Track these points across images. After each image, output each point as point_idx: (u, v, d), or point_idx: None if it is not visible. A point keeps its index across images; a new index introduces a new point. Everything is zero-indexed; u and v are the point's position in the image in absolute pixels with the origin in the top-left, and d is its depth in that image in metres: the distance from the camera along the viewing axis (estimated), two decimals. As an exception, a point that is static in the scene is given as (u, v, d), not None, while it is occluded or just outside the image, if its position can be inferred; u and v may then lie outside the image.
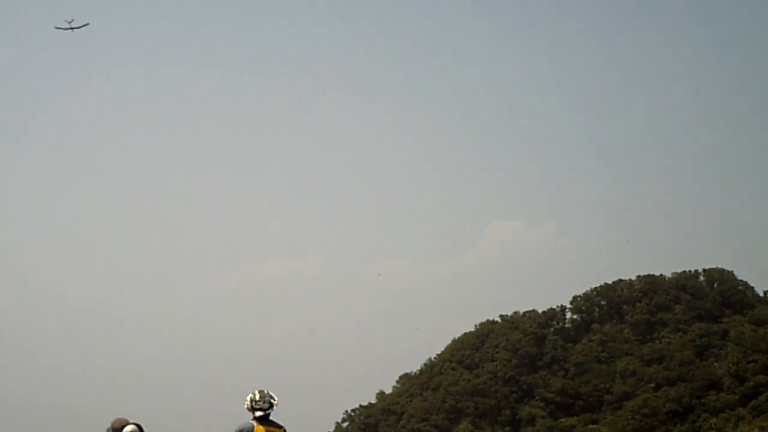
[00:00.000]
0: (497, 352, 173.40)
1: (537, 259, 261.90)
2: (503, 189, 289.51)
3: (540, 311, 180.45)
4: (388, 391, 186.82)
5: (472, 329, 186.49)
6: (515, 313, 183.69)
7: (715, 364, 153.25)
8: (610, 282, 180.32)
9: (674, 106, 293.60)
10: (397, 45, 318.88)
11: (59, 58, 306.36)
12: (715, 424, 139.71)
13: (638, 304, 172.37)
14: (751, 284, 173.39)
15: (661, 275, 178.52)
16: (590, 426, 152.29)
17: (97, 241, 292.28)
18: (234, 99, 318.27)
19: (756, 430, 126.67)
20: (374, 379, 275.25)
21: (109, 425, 14.10)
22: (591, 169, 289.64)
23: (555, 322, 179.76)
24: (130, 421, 14.06)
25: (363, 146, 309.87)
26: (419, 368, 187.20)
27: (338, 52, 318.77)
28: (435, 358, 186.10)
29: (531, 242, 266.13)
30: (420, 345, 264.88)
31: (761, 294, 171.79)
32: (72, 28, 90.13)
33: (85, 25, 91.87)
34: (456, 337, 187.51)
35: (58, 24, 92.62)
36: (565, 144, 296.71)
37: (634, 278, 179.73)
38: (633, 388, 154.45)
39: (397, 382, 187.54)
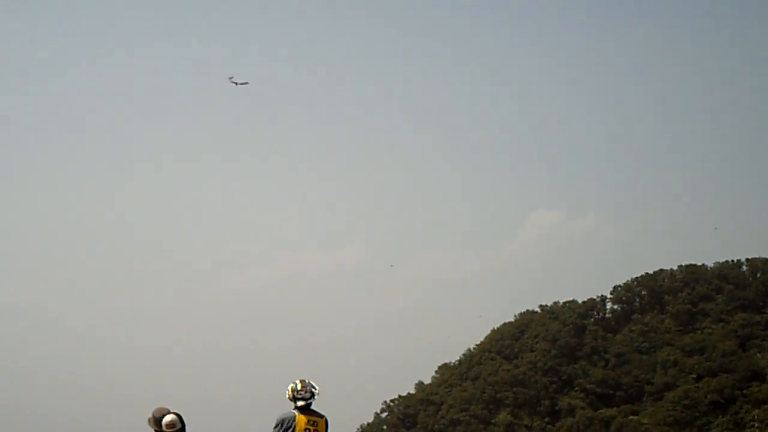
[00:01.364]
0: (536, 342, 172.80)
1: (577, 249, 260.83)
2: (544, 178, 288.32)
3: (580, 301, 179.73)
4: (427, 381, 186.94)
5: (512, 320, 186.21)
6: (555, 303, 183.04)
7: (758, 355, 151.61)
8: (651, 272, 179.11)
9: (717, 94, 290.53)
10: (430, 33, 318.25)
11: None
12: (757, 415, 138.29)
13: (680, 294, 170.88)
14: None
15: (703, 265, 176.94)
16: (630, 417, 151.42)
17: (147, 232, 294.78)
18: (273, 87, 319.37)
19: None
20: (413, 370, 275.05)
21: (151, 414, 14.10)
22: (633, 158, 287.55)
23: (595, 313, 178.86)
24: (171, 411, 14.04)
25: (404, 136, 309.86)
26: (458, 358, 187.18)
27: (372, 44, 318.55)
28: (474, 348, 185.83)
29: (572, 232, 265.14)
30: (459, 335, 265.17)
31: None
32: (235, 83, 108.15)
33: (245, 83, 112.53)
34: (495, 328, 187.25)
35: (227, 77, 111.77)
36: (607, 133, 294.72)
37: (675, 268, 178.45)
38: (674, 379, 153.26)
39: (436, 372, 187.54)
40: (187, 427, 14.11)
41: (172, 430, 13.78)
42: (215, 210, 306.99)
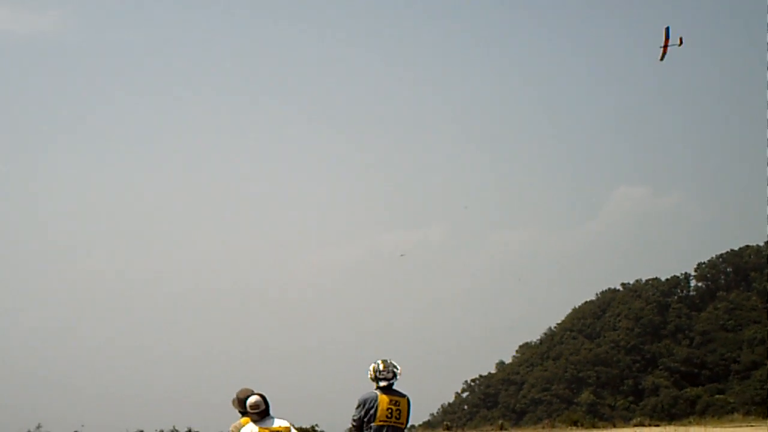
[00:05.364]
0: (619, 321, 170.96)
1: (661, 227, 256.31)
2: (629, 155, 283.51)
3: (663, 279, 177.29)
4: (508, 360, 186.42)
5: (593, 298, 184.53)
6: (637, 281, 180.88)
7: None
8: (736, 248, 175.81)
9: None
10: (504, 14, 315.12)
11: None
12: None
13: (766, 270, 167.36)
14: None
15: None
16: (717, 396, 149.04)
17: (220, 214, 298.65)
18: (352, 68, 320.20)
19: None
20: (494, 349, 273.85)
21: (234, 396, 14.27)
22: (718, 133, 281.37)
23: (679, 290, 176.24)
24: (255, 392, 14.18)
25: (485, 111, 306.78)
26: (539, 338, 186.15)
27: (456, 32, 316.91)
28: (555, 327, 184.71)
29: (656, 209, 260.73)
30: (540, 314, 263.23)
31: None
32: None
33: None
34: (576, 306, 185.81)
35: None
36: (692, 108, 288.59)
37: (761, 244, 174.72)
38: (761, 357, 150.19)
39: (517, 351, 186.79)
40: (270, 409, 14.25)
41: (256, 410, 13.90)
42: (292, 192, 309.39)
